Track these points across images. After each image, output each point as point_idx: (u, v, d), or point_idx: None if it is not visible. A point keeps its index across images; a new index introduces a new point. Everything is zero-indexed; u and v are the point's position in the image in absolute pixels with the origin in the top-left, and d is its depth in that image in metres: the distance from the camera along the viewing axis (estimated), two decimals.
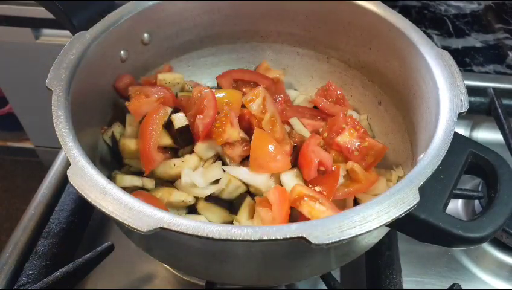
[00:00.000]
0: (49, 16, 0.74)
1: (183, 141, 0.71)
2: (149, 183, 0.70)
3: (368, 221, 0.46)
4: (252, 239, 0.44)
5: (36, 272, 0.70)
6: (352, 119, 0.76)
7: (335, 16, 0.80)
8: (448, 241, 0.53)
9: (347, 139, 0.72)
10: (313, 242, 0.44)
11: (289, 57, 0.90)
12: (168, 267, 0.76)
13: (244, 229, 0.45)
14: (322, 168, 0.70)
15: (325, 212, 0.61)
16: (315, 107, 0.86)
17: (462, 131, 0.99)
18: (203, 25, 0.84)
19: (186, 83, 0.82)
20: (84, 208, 0.79)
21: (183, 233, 0.45)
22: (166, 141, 0.71)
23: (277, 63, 0.91)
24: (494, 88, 0.99)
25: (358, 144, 0.72)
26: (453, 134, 0.55)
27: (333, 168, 0.70)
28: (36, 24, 1.41)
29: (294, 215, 0.64)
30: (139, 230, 0.45)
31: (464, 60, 1.17)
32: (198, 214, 0.69)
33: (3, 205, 2.18)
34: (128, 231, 0.60)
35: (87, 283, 0.75)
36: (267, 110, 0.71)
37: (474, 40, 1.23)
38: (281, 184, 0.69)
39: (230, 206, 0.69)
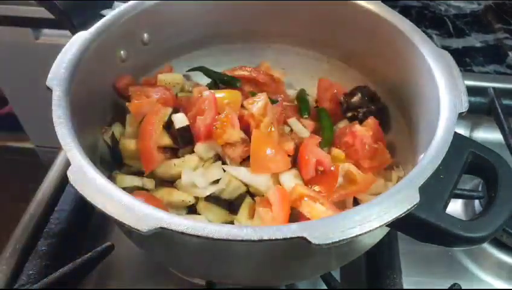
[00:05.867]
0: (49, 16, 0.74)
1: (183, 141, 0.71)
2: (149, 183, 0.70)
3: (368, 221, 0.46)
4: (252, 239, 0.44)
5: (36, 272, 0.70)
6: (376, 122, 0.77)
7: (335, 16, 0.80)
8: (448, 241, 0.53)
9: (364, 132, 0.72)
10: (313, 242, 0.44)
11: (289, 57, 0.90)
12: (168, 267, 0.76)
13: (244, 229, 0.45)
14: (321, 168, 0.70)
15: (325, 212, 0.61)
16: (316, 107, 0.86)
17: (462, 131, 0.99)
18: (203, 25, 0.84)
19: (186, 83, 0.82)
20: (84, 208, 0.79)
21: (183, 233, 0.45)
22: (166, 141, 0.71)
23: (277, 63, 0.91)
24: (494, 88, 0.99)
25: (370, 142, 0.72)
26: (453, 134, 0.55)
27: (332, 168, 0.70)
28: (36, 24, 1.41)
29: (294, 215, 0.64)
30: (139, 230, 0.45)
31: (464, 60, 1.17)
32: (198, 214, 0.69)
33: (3, 205, 2.18)
34: (128, 231, 0.60)
35: (88, 283, 0.75)
36: (266, 114, 0.71)
37: (474, 40, 1.23)
38: (280, 184, 0.69)
39: (230, 206, 0.69)
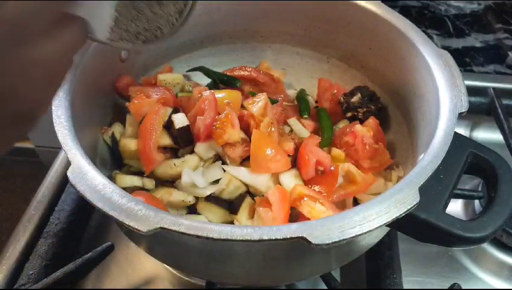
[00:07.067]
0: None
1: (183, 141, 0.71)
2: (149, 183, 0.70)
3: (368, 221, 0.46)
4: (252, 239, 0.44)
5: (36, 272, 0.70)
6: (376, 122, 0.77)
7: (335, 16, 0.80)
8: (448, 241, 0.53)
9: (365, 132, 0.72)
10: (313, 242, 0.44)
11: (289, 57, 0.90)
12: (168, 267, 0.77)
13: (244, 229, 0.45)
14: (321, 168, 0.70)
15: (325, 212, 0.61)
16: (316, 107, 0.86)
17: (462, 131, 0.99)
18: (203, 25, 0.84)
19: (186, 83, 0.82)
20: (84, 208, 0.79)
21: (183, 233, 0.45)
22: (166, 141, 0.71)
23: (277, 63, 0.91)
24: (494, 88, 0.99)
25: (371, 142, 0.72)
26: (453, 134, 0.55)
27: (332, 168, 0.70)
28: None
29: (294, 215, 0.64)
30: (139, 230, 0.45)
31: (464, 60, 1.17)
32: (198, 214, 0.69)
33: (3, 205, 2.18)
34: (128, 231, 0.60)
35: (87, 283, 0.75)
36: (266, 114, 0.71)
37: (474, 40, 1.23)
38: (280, 184, 0.69)
39: (230, 206, 0.69)
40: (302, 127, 0.78)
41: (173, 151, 0.73)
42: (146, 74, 0.83)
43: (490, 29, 1.26)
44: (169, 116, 0.71)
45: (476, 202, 0.82)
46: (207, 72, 0.86)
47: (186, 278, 0.75)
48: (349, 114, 0.80)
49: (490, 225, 0.52)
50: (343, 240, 0.45)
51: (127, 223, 0.46)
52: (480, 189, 0.82)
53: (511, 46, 1.21)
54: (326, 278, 0.68)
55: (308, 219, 0.61)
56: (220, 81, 0.84)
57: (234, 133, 0.67)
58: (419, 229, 0.53)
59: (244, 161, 0.70)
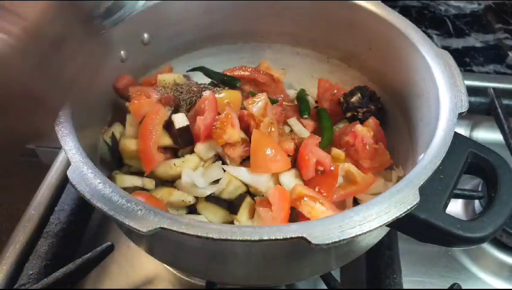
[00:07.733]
0: None
1: (183, 141, 0.71)
2: (149, 183, 0.70)
3: (368, 221, 0.46)
4: (252, 239, 0.44)
5: (36, 272, 0.70)
6: (377, 122, 0.77)
7: (335, 16, 0.80)
8: (448, 241, 0.53)
9: (365, 132, 0.72)
10: (313, 242, 0.44)
11: (289, 57, 0.90)
12: (168, 267, 0.77)
13: (244, 229, 0.45)
14: (321, 168, 0.70)
15: (325, 212, 0.61)
16: (316, 107, 0.86)
17: (462, 131, 0.99)
18: (203, 25, 0.84)
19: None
20: (84, 208, 0.79)
21: (183, 233, 0.45)
22: (167, 141, 0.71)
23: (277, 63, 0.91)
24: (494, 88, 0.99)
25: (371, 142, 0.72)
26: (453, 134, 0.55)
27: (332, 168, 0.70)
28: None
29: (294, 215, 0.64)
30: (139, 230, 0.45)
31: (464, 60, 1.17)
32: (198, 214, 0.69)
33: (3, 205, 2.17)
34: (128, 231, 0.60)
35: (87, 283, 0.75)
36: (266, 114, 0.71)
37: (474, 40, 1.23)
38: (280, 184, 0.69)
39: (230, 206, 0.69)
40: (302, 127, 0.78)
41: (173, 151, 0.73)
42: (146, 74, 0.83)
43: (490, 29, 1.26)
44: (169, 116, 0.71)
45: (476, 202, 0.82)
46: (207, 72, 0.86)
47: (186, 278, 0.75)
48: (349, 114, 0.80)
49: (490, 225, 0.52)
50: (343, 240, 0.45)
51: (127, 223, 0.46)
52: (480, 189, 0.82)
53: (511, 46, 1.21)
54: (326, 278, 0.68)
55: (308, 219, 0.61)
56: (220, 81, 0.84)
57: (234, 133, 0.67)
58: (419, 229, 0.53)
59: (244, 161, 0.70)
